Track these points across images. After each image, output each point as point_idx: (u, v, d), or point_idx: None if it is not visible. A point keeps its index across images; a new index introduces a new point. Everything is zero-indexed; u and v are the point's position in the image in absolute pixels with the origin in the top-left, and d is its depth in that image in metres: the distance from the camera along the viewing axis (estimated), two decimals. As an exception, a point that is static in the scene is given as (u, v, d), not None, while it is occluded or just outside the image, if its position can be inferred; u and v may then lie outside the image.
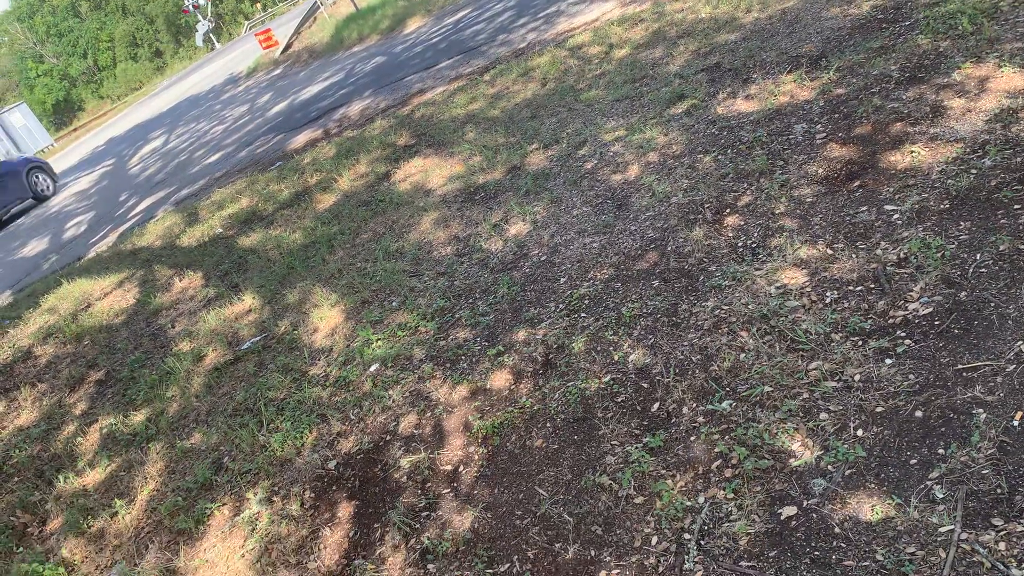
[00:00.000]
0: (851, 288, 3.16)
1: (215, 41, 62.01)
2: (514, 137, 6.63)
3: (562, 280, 4.21)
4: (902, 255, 3.20)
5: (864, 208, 3.60)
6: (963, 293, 2.88)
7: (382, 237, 5.84)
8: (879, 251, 3.28)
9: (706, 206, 4.23)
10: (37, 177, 18.86)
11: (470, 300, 4.43)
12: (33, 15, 79.56)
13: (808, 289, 3.26)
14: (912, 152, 3.81)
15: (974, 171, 3.47)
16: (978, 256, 3.01)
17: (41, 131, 40.77)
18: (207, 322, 5.64)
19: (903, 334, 2.84)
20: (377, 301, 4.89)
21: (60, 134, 50.60)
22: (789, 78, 5.21)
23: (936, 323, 2.82)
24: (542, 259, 4.51)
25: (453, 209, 5.76)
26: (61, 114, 72.15)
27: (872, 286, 3.12)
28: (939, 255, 3.09)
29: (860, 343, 2.89)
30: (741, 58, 5.96)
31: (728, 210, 4.11)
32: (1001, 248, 2.98)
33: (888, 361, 2.76)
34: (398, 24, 19.66)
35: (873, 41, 5.14)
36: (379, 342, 4.38)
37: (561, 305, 3.99)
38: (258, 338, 5.13)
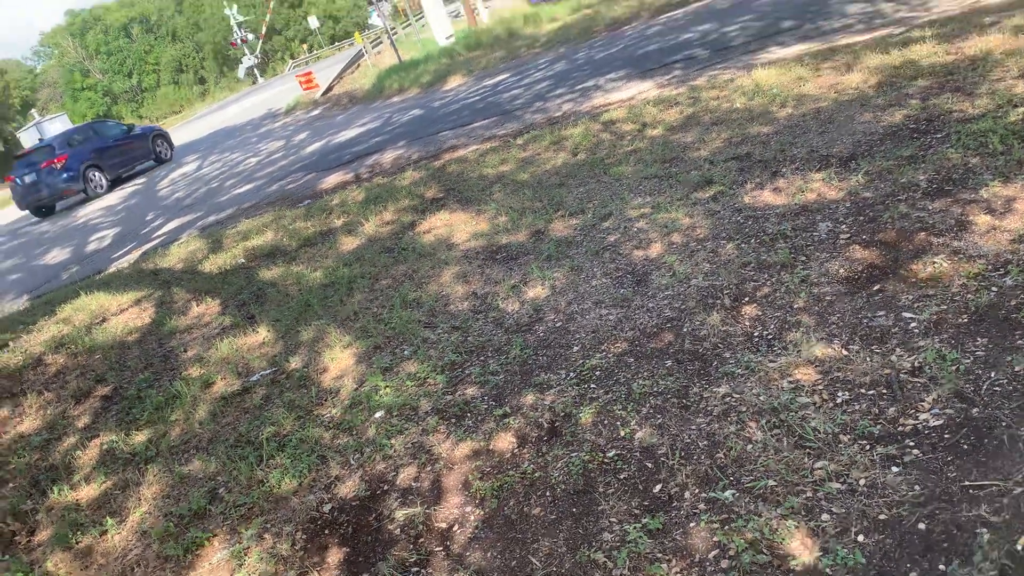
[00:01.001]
0: (863, 391, 3.17)
1: (258, 76, 63.59)
2: (540, 202, 6.74)
3: (575, 348, 4.24)
4: (917, 364, 3.21)
5: (882, 313, 3.63)
6: (975, 409, 2.88)
7: (401, 285, 5.91)
8: (894, 357, 3.30)
9: (725, 292, 4.28)
10: (158, 143, 23.19)
11: (482, 358, 4.46)
12: (86, 32, 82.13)
13: (820, 387, 3.27)
14: (934, 263, 3.86)
15: (995, 289, 3.51)
16: (993, 374, 3.02)
17: (79, 143, 41.66)
18: (219, 350, 5.69)
19: (912, 443, 2.84)
20: (389, 348, 4.93)
21: (96, 148, 51.51)
22: (818, 176, 5.31)
23: (946, 436, 2.82)
24: (557, 325, 4.55)
25: (474, 266, 5.83)
26: (100, 128, 73.65)
27: (884, 392, 3.13)
28: (954, 368, 3.10)
29: (868, 447, 2.89)
30: (772, 151, 6.08)
31: (747, 299, 4.15)
32: (1017, 369, 3.00)
33: (895, 469, 2.76)
34: (438, 80, 20.18)
35: (904, 149, 5.24)
36: (387, 389, 4.40)
37: (572, 373, 4.01)
38: (268, 371, 5.16)
